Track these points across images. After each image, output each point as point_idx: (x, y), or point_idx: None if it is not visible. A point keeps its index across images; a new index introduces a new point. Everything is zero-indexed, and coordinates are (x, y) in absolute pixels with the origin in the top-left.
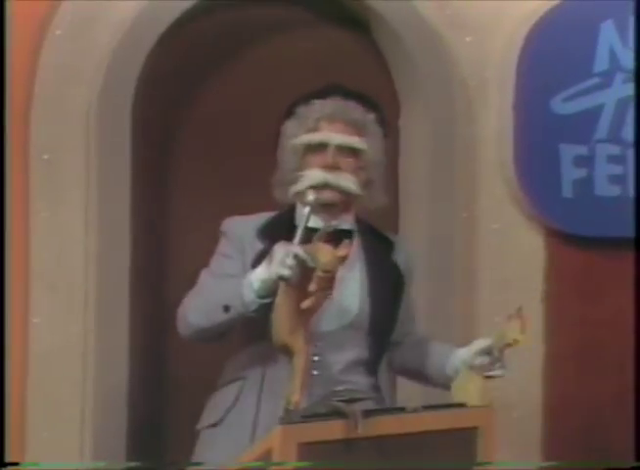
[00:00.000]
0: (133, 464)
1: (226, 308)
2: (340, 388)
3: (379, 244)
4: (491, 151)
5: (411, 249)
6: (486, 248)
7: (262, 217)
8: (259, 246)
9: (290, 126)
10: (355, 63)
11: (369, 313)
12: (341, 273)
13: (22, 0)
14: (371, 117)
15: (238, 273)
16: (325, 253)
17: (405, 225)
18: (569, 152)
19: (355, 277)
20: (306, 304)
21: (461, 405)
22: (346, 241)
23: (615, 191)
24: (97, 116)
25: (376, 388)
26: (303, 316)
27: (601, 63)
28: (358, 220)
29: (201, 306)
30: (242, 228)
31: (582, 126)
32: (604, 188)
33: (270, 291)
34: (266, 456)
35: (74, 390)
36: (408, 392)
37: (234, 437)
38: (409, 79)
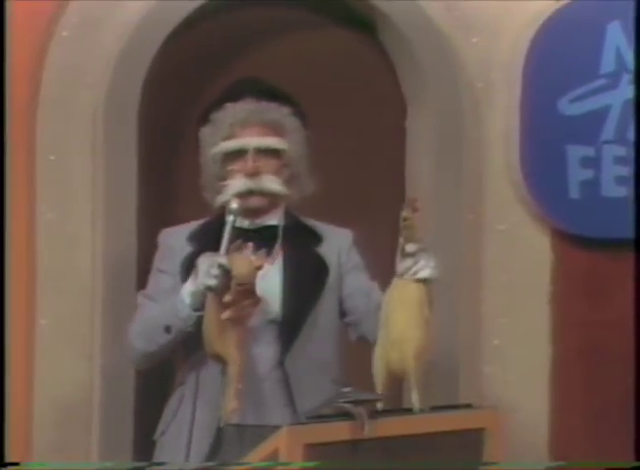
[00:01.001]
0: (140, 464)
1: (167, 329)
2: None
3: (303, 237)
4: (498, 152)
5: (345, 244)
6: (493, 249)
7: (194, 224)
8: (189, 249)
9: (206, 134)
10: (362, 64)
11: (283, 305)
12: (264, 269)
13: (29, 1)
14: (286, 111)
15: (172, 286)
16: (240, 265)
17: None
18: (575, 153)
19: (277, 271)
20: (225, 315)
21: (468, 406)
22: (262, 251)
23: (621, 192)
24: (104, 116)
25: (285, 377)
26: (234, 325)
27: (607, 64)
28: (287, 214)
29: (143, 331)
30: (173, 238)
31: (589, 127)
32: (610, 189)
33: (203, 303)
34: (273, 457)
35: (81, 390)
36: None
37: (173, 445)
38: (415, 80)
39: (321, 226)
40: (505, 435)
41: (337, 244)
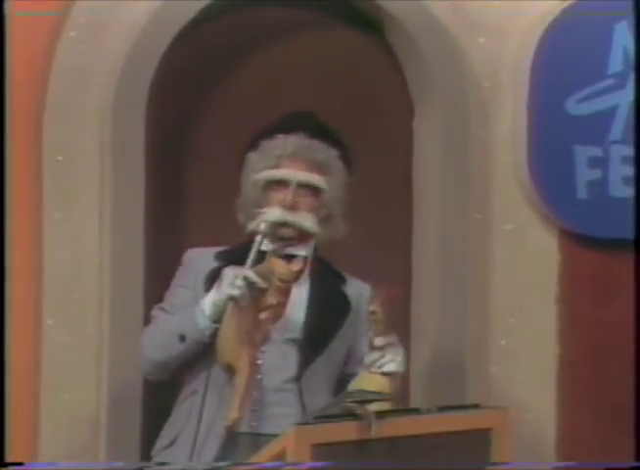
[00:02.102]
0: (148, 464)
1: (182, 338)
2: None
3: (329, 273)
4: (505, 152)
5: (365, 295)
6: (500, 249)
7: (222, 247)
8: (213, 265)
9: (253, 159)
10: (368, 64)
11: (305, 327)
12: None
13: (36, 1)
14: (333, 154)
15: (190, 301)
16: (280, 264)
17: (419, 226)
18: (583, 153)
19: (303, 294)
20: (264, 315)
21: (475, 406)
22: (300, 255)
23: (629, 192)
24: (111, 117)
25: (300, 391)
26: (249, 337)
27: (615, 64)
28: (316, 250)
29: (156, 340)
30: (201, 258)
31: (597, 128)
32: (618, 189)
33: (222, 315)
34: (280, 457)
35: (89, 390)
36: (421, 393)
37: (178, 454)
38: (423, 80)
39: (343, 272)
40: (512, 435)
41: (358, 290)
